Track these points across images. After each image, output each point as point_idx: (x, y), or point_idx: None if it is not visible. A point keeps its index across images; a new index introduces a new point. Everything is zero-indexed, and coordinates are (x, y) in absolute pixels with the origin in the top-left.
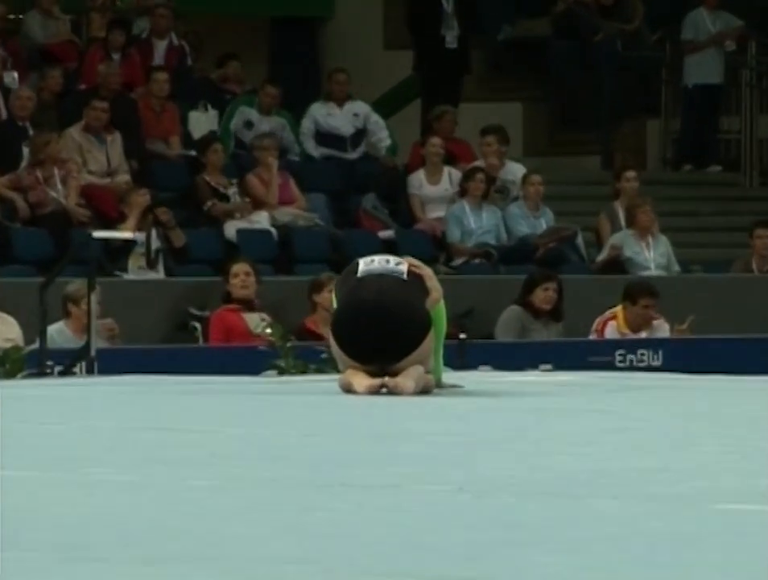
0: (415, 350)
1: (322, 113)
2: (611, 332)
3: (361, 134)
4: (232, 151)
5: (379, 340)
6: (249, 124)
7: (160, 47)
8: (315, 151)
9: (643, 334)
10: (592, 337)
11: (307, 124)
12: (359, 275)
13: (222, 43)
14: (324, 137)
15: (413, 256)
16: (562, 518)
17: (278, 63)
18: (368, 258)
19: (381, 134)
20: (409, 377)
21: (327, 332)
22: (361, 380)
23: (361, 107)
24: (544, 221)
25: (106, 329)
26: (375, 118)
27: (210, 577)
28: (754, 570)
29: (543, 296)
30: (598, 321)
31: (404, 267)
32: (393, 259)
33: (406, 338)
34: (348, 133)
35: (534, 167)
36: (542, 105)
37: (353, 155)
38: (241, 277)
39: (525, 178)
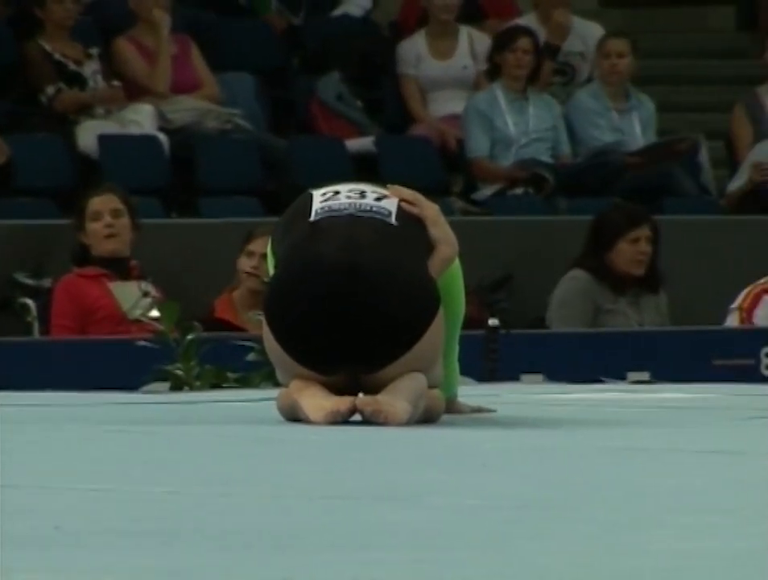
0: (411, 349)
1: None
2: (764, 314)
3: None
4: None
5: (349, 333)
6: None
7: None
8: None
9: None
10: (729, 320)
11: None
12: (313, 217)
13: None
14: None
15: (405, 185)
16: None
17: None
18: (328, 189)
19: None
20: (400, 394)
21: (249, 319)
22: (318, 401)
23: None
24: (636, 122)
25: None
26: None
27: None
28: None
29: (632, 252)
30: (746, 292)
31: (391, 204)
32: (371, 190)
33: (397, 329)
34: None
35: (620, 28)
36: None
37: (296, 18)
38: (107, 219)
39: (601, 45)
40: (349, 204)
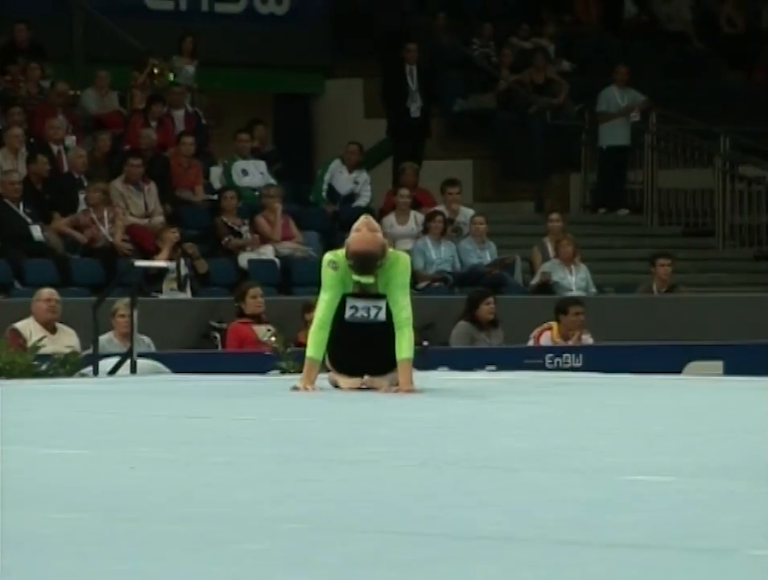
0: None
1: (337, 172)
2: (546, 340)
3: (352, 196)
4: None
5: (367, 368)
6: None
7: (178, 115)
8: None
9: (570, 343)
10: (530, 343)
11: (327, 176)
12: (347, 317)
13: (235, 113)
14: (329, 189)
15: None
16: (503, 487)
17: (280, 130)
18: (353, 306)
19: (365, 193)
20: (384, 378)
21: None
22: (345, 379)
23: (364, 176)
24: (489, 253)
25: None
26: (366, 178)
27: (224, 531)
28: (651, 529)
29: (487, 309)
30: (537, 330)
31: (382, 312)
32: (373, 307)
33: (387, 365)
34: (345, 192)
35: (481, 211)
36: (488, 162)
37: (335, 207)
38: (258, 299)
39: (473, 219)
40: (364, 317)
